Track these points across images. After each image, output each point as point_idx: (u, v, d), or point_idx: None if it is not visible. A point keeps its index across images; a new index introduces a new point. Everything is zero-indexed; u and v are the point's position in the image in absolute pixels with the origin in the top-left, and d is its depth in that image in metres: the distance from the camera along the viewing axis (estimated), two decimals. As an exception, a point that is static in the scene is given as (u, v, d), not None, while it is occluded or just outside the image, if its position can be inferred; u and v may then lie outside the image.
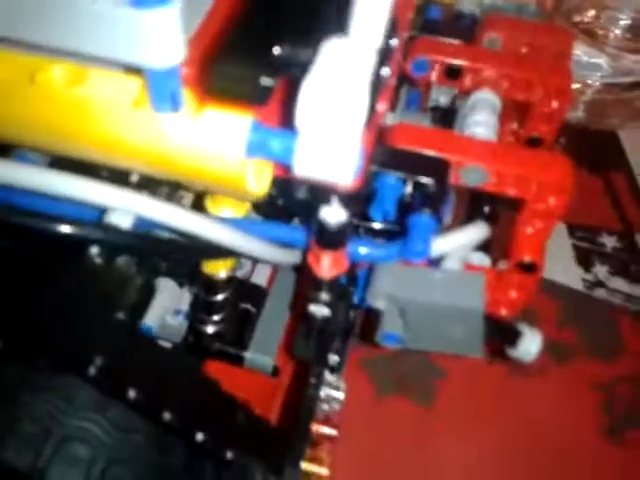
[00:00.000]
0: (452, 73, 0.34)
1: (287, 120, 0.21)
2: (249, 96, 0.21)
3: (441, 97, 0.37)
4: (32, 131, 0.21)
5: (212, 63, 0.21)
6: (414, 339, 0.30)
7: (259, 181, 0.22)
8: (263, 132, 0.20)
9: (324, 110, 0.18)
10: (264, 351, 0.36)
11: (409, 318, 0.30)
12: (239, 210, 0.27)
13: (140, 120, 0.20)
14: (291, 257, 0.29)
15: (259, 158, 0.20)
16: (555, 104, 0.34)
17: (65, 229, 0.24)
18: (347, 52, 0.19)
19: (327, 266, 0.26)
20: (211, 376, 0.31)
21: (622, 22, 0.77)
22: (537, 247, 0.32)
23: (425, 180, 0.28)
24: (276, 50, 0.21)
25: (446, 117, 0.35)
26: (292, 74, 0.22)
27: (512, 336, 0.31)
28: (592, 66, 0.74)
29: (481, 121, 0.31)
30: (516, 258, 0.32)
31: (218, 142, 0.20)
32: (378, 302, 0.29)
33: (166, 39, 0.17)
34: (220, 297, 0.35)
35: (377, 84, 0.20)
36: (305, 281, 0.29)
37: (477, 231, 0.30)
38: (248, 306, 0.38)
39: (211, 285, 0.34)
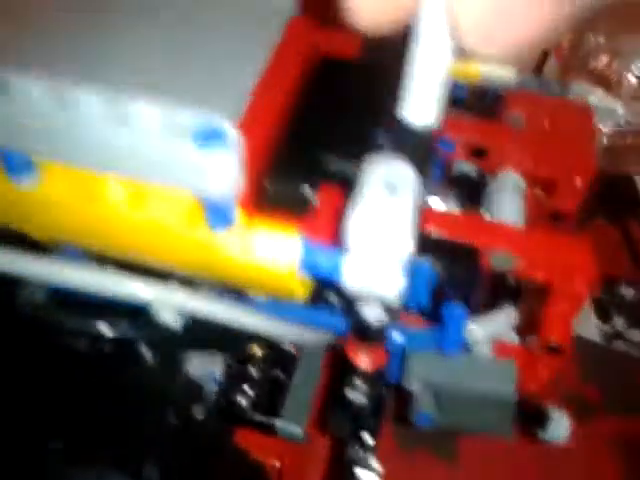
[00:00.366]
0: (477, 152, 0.35)
1: (332, 231, 0.22)
2: (296, 208, 0.22)
3: (465, 167, 0.38)
4: (95, 240, 0.23)
5: (263, 180, 0.22)
6: (446, 420, 0.31)
7: (305, 285, 0.23)
8: (313, 250, 0.21)
9: (373, 235, 0.19)
10: (295, 419, 0.37)
11: (442, 401, 0.31)
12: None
13: (196, 236, 0.21)
14: (325, 338, 0.30)
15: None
16: (578, 181, 0.35)
17: (116, 330, 0.25)
18: (393, 173, 0.20)
19: (365, 359, 0.27)
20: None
21: (635, 68, 0.78)
22: (564, 330, 0.32)
23: (457, 269, 0.29)
24: (323, 162, 0.22)
25: (471, 192, 0.36)
26: (337, 184, 0.23)
27: (541, 419, 0.31)
28: (607, 112, 0.75)
29: (507, 205, 0.32)
30: (543, 340, 0.32)
31: (270, 257, 0.21)
32: (413, 385, 0.30)
33: (225, 175, 0.18)
34: (254, 370, 0.35)
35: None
36: (341, 365, 0.30)
37: (507, 317, 0.31)
38: (278, 372, 0.39)
39: (246, 359, 0.35)
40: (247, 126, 0.19)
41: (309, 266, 0.21)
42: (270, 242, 0.21)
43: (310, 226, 0.22)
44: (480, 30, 0.14)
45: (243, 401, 0.36)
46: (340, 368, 0.36)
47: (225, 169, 0.18)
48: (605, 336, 0.62)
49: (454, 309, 0.28)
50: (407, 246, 0.19)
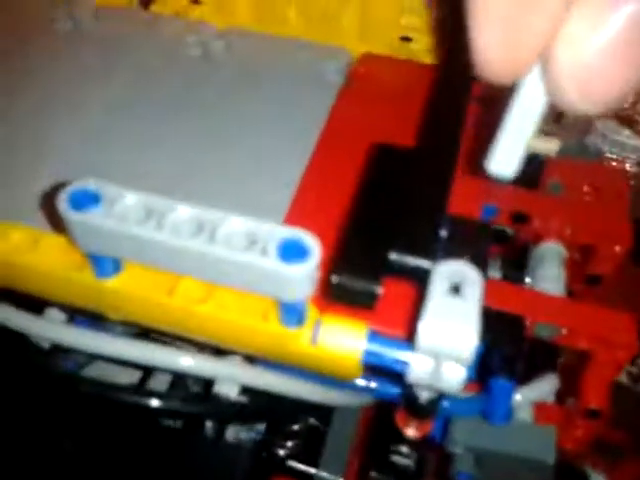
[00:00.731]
0: (519, 219, 0.36)
1: (397, 323, 0.24)
2: (362, 302, 0.23)
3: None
4: (166, 329, 0.24)
5: (329, 275, 0.23)
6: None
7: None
8: (379, 343, 0.22)
9: (441, 338, 0.20)
10: (333, 470, 0.38)
11: (483, 464, 0.32)
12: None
13: (268, 332, 0.22)
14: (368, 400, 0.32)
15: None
16: (617, 248, 0.36)
17: (177, 405, 0.26)
18: (459, 275, 0.21)
19: (414, 429, 0.28)
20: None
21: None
22: (603, 395, 0.33)
23: (503, 338, 0.30)
24: (391, 255, 0.24)
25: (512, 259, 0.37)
26: (401, 277, 0.24)
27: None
28: (633, 150, 0.76)
29: (550, 276, 0.33)
30: (582, 404, 0.33)
31: (336, 350, 0.22)
32: (456, 448, 0.31)
33: (305, 283, 0.20)
34: (297, 426, 0.37)
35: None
36: (387, 429, 0.31)
37: (549, 385, 0.32)
38: (315, 422, 0.40)
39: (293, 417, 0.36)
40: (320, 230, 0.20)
41: (373, 357, 0.22)
42: (337, 335, 0.22)
43: (376, 317, 0.23)
44: (580, 87, 0.14)
45: (281, 451, 0.37)
46: (379, 424, 0.37)
47: (305, 277, 0.19)
48: (631, 377, 0.63)
49: (502, 382, 0.29)
50: (472, 345, 0.20)
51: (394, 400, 0.29)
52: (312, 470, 0.38)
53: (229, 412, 0.27)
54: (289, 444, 0.37)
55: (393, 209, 0.25)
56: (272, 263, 0.19)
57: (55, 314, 0.28)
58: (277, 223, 0.28)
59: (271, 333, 0.22)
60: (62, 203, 0.20)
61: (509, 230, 0.39)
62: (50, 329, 0.27)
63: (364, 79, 0.38)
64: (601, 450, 0.54)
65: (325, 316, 0.23)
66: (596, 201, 0.38)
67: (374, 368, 0.23)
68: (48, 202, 0.26)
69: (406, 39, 0.39)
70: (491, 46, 0.15)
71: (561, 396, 0.36)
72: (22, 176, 0.30)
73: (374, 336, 0.22)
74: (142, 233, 0.20)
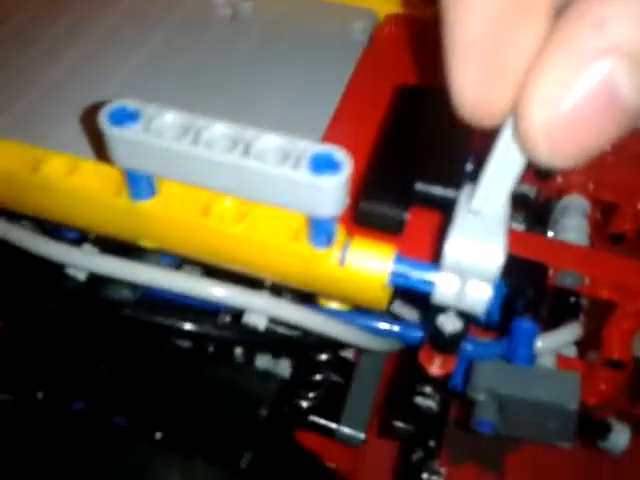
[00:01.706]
0: (542, 174, 0.36)
1: (423, 249, 0.24)
2: (390, 228, 0.24)
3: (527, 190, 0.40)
4: (199, 254, 0.25)
5: (358, 200, 0.24)
6: (508, 428, 0.33)
7: (388, 299, 0.25)
8: (406, 264, 0.23)
9: (467, 259, 0.21)
10: (355, 425, 0.39)
11: (506, 410, 0.32)
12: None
13: (298, 252, 0.23)
14: (395, 345, 0.32)
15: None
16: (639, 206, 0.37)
17: (207, 330, 0.27)
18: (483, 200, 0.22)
19: (438, 366, 0.29)
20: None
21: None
22: (625, 346, 0.34)
23: (526, 284, 0.31)
24: (418, 186, 0.24)
25: (536, 213, 0.37)
26: (427, 205, 0.25)
27: (603, 430, 0.32)
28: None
29: (573, 226, 0.33)
30: (605, 355, 0.33)
31: (364, 271, 0.23)
32: (478, 394, 0.32)
33: (336, 198, 0.20)
34: (319, 376, 0.37)
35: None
36: (410, 373, 0.32)
37: (572, 332, 0.32)
38: (338, 379, 0.41)
39: (312, 366, 0.36)
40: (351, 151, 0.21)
41: (400, 278, 0.23)
42: (365, 257, 0.23)
43: (402, 243, 0.24)
44: (549, 145, 0.15)
45: (304, 403, 0.38)
46: (403, 374, 0.38)
47: (335, 193, 0.20)
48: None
49: (524, 323, 0.29)
50: (498, 262, 0.21)
51: (417, 343, 0.30)
52: (333, 425, 0.38)
53: (258, 340, 0.27)
54: (311, 396, 0.38)
55: (420, 142, 0.26)
56: (304, 175, 0.20)
57: (89, 248, 0.29)
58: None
59: (301, 253, 0.23)
60: (103, 119, 0.21)
61: (532, 191, 0.39)
62: (87, 259, 0.28)
63: (389, 38, 0.38)
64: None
65: (354, 238, 0.23)
66: (618, 160, 0.38)
67: (401, 289, 0.23)
68: (89, 121, 0.27)
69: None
70: (467, 87, 0.16)
71: (583, 350, 0.36)
72: (63, 105, 0.31)
73: (401, 258, 0.23)
74: (178, 147, 0.20)
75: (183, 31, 0.38)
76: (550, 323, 0.34)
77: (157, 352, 0.28)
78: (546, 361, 0.33)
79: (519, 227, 0.35)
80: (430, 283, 0.22)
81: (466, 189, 0.22)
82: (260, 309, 0.27)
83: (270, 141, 0.21)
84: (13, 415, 0.27)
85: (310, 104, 0.33)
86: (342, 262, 0.23)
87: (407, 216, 0.24)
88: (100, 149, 0.27)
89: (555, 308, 0.35)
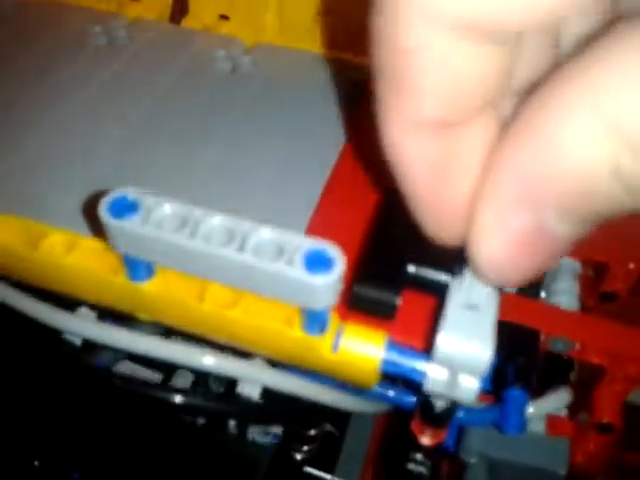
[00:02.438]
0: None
1: (414, 334, 0.25)
2: (382, 312, 0.24)
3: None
4: (195, 331, 0.25)
5: (352, 285, 0.24)
6: (499, 491, 0.33)
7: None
8: (397, 353, 0.23)
9: (457, 352, 0.21)
10: (348, 476, 0.39)
11: (496, 473, 0.32)
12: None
13: (291, 338, 0.23)
14: (383, 408, 0.33)
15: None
16: (632, 265, 0.37)
17: (200, 403, 0.28)
18: (475, 291, 0.22)
19: (429, 436, 0.29)
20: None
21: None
22: (615, 409, 0.34)
23: (517, 351, 0.31)
24: (410, 268, 0.25)
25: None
26: (419, 289, 0.25)
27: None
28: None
29: (564, 290, 0.34)
30: (595, 419, 0.34)
31: (356, 358, 0.23)
32: (469, 457, 0.32)
33: (328, 293, 0.21)
34: (314, 431, 0.38)
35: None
36: (402, 438, 0.32)
37: (562, 398, 0.33)
38: (331, 428, 0.41)
39: (307, 421, 0.37)
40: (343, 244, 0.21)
41: (391, 366, 0.23)
42: (358, 344, 0.23)
43: (394, 329, 0.24)
44: (494, 273, 0.17)
45: (298, 456, 0.38)
46: (395, 432, 0.38)
47: (328, 287, 0.20)
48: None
49: (516, 392, 0.30)
50: (487, 359, 0.21)
51: (410, 408, 0.30)
52: (327, 476, 0.39)
53: (251, 412, 0.28)
54: (305, 449, 0.38)
55: (413, 225, 0.26)
56: (298, 273, 0.20)
57: (86, 312, 0.29)
58: (299, 231, 0.29)
59: (294, 339, 0.23)
60: (103, 210, 0.21)
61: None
62: (81, 325, 0.28)
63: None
64: (617, 472, 0.54)
65: (347, 324, 0.24)
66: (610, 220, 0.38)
67: (392, 376, 0.24)
68: (89, 208, 0.28)
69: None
70: (424, 222, 0.18)
71: (574, 410, 0.37)
72: (60, 181, 0.31)
73: (393, 345, 0.23)
74: (177, 240, 0.21)
75: (182, 85, 0.38)
76: (540, 384, 0.34)
77: (153, 422, 0.28)
78: (536, 425, 0.33)
79: (511, 290, 0.36)
80: (421, 372, 0.23)
81: (456, 281, 0.22)
82: (253, 379, 0.28)
83: (265, 234, 0.21)
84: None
85: (305, 166, 0.34)
86: (335, 348, 0.23)
87: (399, 300, 0.24)
88: (100, 229, 0.27)
89: (545, 369, 0.35)
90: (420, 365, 0.23)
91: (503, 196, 0.15)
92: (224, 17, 0.43)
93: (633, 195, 0.13)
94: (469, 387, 0.22)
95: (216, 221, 0.21)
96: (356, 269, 0.25)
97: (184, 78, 0.39)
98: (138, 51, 0.40)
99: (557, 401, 0.33)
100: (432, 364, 0.22)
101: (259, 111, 0.37)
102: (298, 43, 0.41)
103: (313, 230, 0.30)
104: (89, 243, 0.25)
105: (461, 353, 0.21)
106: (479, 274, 0.17)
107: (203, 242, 0.21)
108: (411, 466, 0.31)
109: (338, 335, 0.23)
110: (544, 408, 0.32)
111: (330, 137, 0.35)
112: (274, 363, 0.29)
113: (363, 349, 0.23)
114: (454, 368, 0.22)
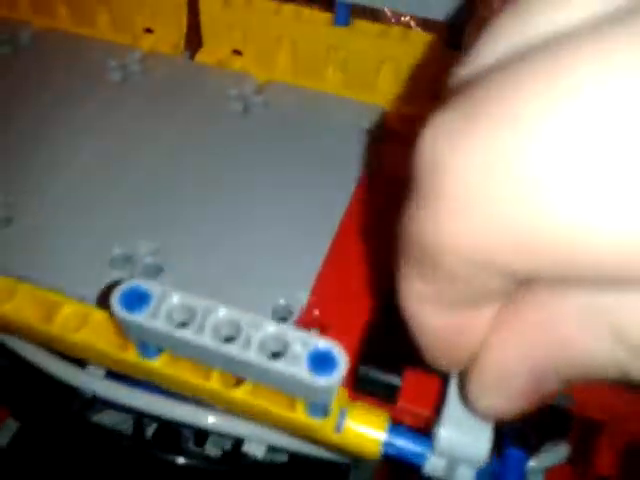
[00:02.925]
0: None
1: (416, 416, 0.25)
2: (384, 394, 0.25)
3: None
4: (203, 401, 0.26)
5: (354, 369, 0.25)
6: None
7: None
8: (399, 436, 0.24)
9: (457, 448, 0.22)
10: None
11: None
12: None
13: (295, 420, 0.24)
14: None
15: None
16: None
17: (203, 465, 0.29)
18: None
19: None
20: None
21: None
22: (613, 461, 0.34)
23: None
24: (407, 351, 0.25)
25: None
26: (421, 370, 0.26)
27: None
28: None
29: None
30: (593, 471, 0.35)
31: (359, 438, 0.24)
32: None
33: (331, 387, 0.21)
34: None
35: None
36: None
37: (560, 452, 0.33)
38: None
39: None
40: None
41: (392, 448, 0.24)
42: (360, 424, 0.24)
43: (396, 411, 0.25)
44: (490, 415, 0.18)
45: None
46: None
47: (332, 383, 0.21)
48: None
49: (515, 453, 0.30)
50: (485, 454, 0.22)
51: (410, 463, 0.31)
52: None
53: (255, 471, 0.29)
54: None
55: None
56: (302, 374, 0.21)
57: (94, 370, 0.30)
58: (303, 298, 0.30)
59: (298, 422, 0.24)
60: (115, 303, 0.22)
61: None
62: (87, 381, 0.29)
63: (399, 137, 0.39)
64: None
65: (350, 406, 0.24)
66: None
67: (392, 458, 0.24)
68: (103, 296, 0.28)
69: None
70: (428, 354, 0.19)
71: (572, 460, 0.37)
72: (77, 237, 0.32)
73: (395, 428, 0.24)
74: (185, 336, 0.21)
75: (195, 125, 0.39)
76: (540, 438, 0.35)
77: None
78: (535, 477, 0.34)
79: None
80: (422, 456, 0.23)
81: (455, 375, 0.23)
82: (257, 439, 0.29)
83: (270, 330, 0.22)
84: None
85: (314, 219, 0.34)
86: (339, 429, 0.24)
87: (401, 383, 0.25)
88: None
89: (545, 422, 0.36)
90: (421, 450, 0.23)
91: (507, 365, 0.15)
92: (237, 52, 0.43)
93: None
94: (466, 475, 0.23)
95: (222, 314, 0.22)
96: (362, 351, 0.25)
97: (197, 118, 0.39)
98: (152, 88, 0.40)
99: (556, 456, 0.33)
100: (432, 452, 0.23)
101: (271, 153, 0.37)
102: (310, 81, 0.41)
103: (318, 292, 0.30)
104: (100, 316, 0.26)
105: (461, 447, 0.22)
106: (473, 410, 0.18)
107: (210, 339, 0.21)
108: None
109: (341, 417, 0.24)
110: (543, 462, 0.33)
111: (342, 180, 0.36)
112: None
113: (365, 431, 0.24)
114: (453, 458, 0.23)
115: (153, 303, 0.22)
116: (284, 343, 0.21)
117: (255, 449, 0.29)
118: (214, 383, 0.24)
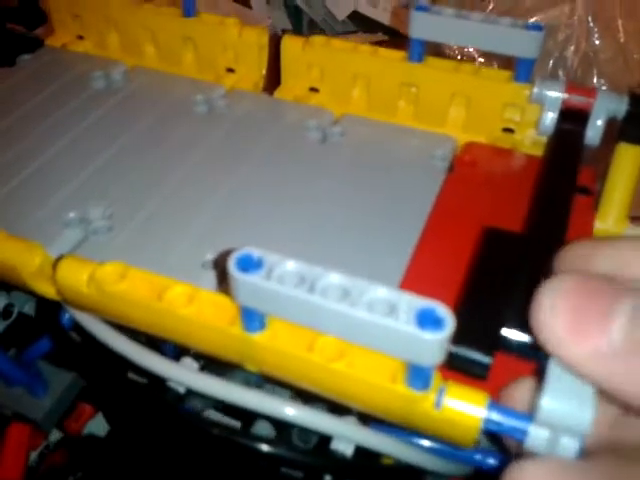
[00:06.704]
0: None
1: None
2: (476, 372, 0.25)
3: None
4: (300, 383, 0.27)
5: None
6: None
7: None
8: (499, 412, 0.24)
9: (559, 417, 0.22)
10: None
11: None
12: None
13: (395, 393, 0.24)
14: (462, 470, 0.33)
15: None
16: None
17: (297, 457, 0.29)
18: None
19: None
20: None
21: None
22: None
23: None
24: (505, 332, 0.26)
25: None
26: (511, 352, 0.27)
27: None
28: None
29: None
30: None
31: (459, 416, 0.24)
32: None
33: (437, 351, 0.22)
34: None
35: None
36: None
37: None
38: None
39: None
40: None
41: (494, 425, 0.24)
42: (460, 402, 0.24)
43: (492, 389, 0.25)
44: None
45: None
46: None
47: (438, 344, 0.22)
48: None
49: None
50: (589, 421, 0.22)
51: (492, 471, 0.31)
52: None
53: (336, 467, 0.29)
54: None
55: (504, 288, 0.27)
56: (410, 328, 0.22)
57: (189, 362, 0.31)
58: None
59: (398, 394, 0.24)
60: (231, 265, 0.23)
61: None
62: (181, 374, 0.30)
63: (468, 166, 0.41)
64: None
65: (448, 383, 0.25)
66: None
67: (491, 434, 0.25)
68: (216, 263, 0.30)
69: (508, 130, 0.42)
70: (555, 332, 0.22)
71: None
72: (176, 240, 0.34)
73: (494, 405, 0.24)
74: (296, 295, 0.23)
75: (277, 153, 0.41)
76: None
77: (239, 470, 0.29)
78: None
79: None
80: (523, 431, 0.23)
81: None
82: (346, 436, 0.29)
83: (379, 293, 0.23)
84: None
85: (393, 234, 0.35)
86: (438, 406, 0.24)
87: (492, 361, 0.25)
88: (220, 283, 0.30)
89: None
90: (522, 425, 0.23)
91: None
92: (314, 89, 0.46)
93: None
94: (569, 446, 0.23)
95: (333, 279, 0.23)
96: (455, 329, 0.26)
97: (278, 146, 0.42)
98: (236, 120, 0.43)
99: None
100: (534, 425, 0.23)
101: (349, 178, 0.40)
102: (383, 116, 0.44)
103: (407, 287, 0.31)
104: (207, 296, 0.27)
105: (563, 416, 0.22)
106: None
107: (320, 297, 0.22)
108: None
109: (441, 393, 0.24)
110: None
111: (416, 205, 0.37)
112: (365, 421, 0.30)
113: (465, 407, 0.24)
114: (556, 428, 0.23)
115: (266, 267, 0.23)
116: (392, 304, 0.22)
117: (345, 447, 0.30)
118: (316, 355, 0.25)
